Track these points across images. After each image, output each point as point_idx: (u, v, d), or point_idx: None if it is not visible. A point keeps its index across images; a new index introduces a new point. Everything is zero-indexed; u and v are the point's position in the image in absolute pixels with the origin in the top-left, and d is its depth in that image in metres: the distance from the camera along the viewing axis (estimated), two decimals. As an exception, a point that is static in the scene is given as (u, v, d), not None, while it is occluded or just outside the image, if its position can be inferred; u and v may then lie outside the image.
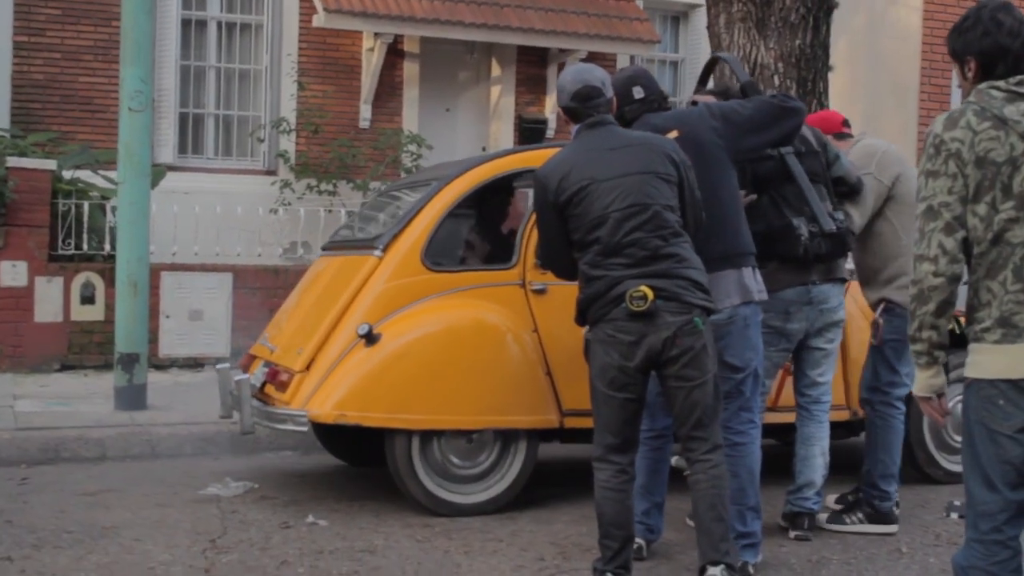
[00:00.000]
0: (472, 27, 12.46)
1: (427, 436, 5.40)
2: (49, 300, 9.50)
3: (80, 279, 9.58)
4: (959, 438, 5.81)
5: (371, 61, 12.59)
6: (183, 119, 12.38)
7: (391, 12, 12.12)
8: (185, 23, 12.33)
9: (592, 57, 12.80)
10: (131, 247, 7.69)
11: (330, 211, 11.01)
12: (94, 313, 9.60)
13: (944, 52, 3.25)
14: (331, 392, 5.32)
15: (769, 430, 5.25)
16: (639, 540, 4.62)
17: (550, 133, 13.26)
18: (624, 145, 4.20)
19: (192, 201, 10.46)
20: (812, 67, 7.49)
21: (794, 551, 4.92)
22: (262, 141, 12.46)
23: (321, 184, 11.90)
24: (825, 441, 5.15)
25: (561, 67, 12.90)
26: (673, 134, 4.41)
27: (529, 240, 5.53)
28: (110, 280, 9.01)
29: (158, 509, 5.53)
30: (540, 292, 5.57)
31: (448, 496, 5.45)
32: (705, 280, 4.14)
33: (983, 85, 2.98)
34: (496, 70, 13.44)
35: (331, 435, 6.32)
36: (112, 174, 9.30)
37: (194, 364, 9.72)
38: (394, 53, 12.71)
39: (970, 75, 3.03)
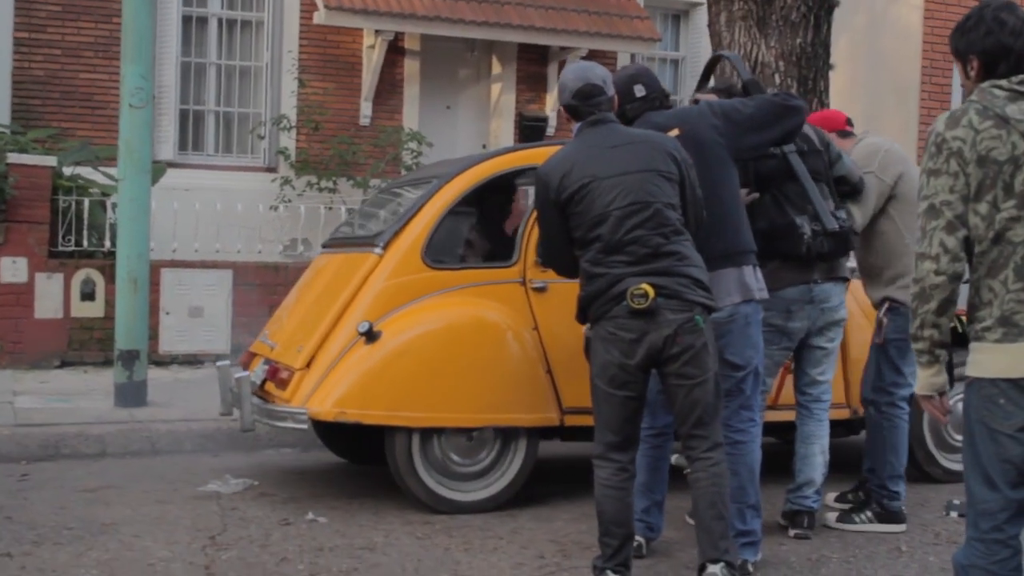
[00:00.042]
0: (473, 25, 12.46)
1: (427, 434, 5.40)
2: (49, 296, 9.50)
3: (80, 275, 9.58)
4: (959, 437, 5.83)
5: (372, 58, 12.58)
6: (183, 116, 12.37)
7: (392, 9, 12.12)
8: (186, 20, 12.32)
9: (593, 55, 12.80)
10: (131, 243, 7.69)
11: (330, 208, 11.02)
12: (94, 309, 9.60)
13: (945, 51, 3.26)
14: (331, 389, 5.32)
15: (769, 428, 5.25)
16: (639, 538, 4.62)
17: (550, 131, 13.25)
18: (625, 143, 4.20)
19: (192, 198, 10.47)
20: (813, 66, 7.49)
21: (794, 549, 4.92)
22: (262, 138, 12.46)
23: (321, 181, 11.90)
24: (825, 440, 5.15)
25: (562, 65, 12.90)
26: (674, 132, 4.41)
27: (530, 238, 5.53)
28: (110, 276, 9.01)
29: (158, 506, 5.52)
30: (540, 290, 5.57)
31: (448, 494, 5.45)
32: (706, 278, 4.13)
33: (985, 84, 2.98)
34: (497, 68, 13.43)
35: (331, 432, 6.31)
36: (112, 170, 9.32)
37: (194, 361, 9.73)
38: (395, 50, 12.70)
39: (972, 74, 3.03)
